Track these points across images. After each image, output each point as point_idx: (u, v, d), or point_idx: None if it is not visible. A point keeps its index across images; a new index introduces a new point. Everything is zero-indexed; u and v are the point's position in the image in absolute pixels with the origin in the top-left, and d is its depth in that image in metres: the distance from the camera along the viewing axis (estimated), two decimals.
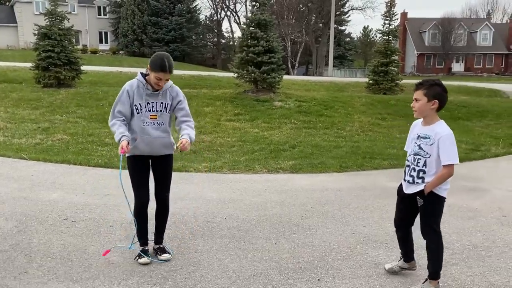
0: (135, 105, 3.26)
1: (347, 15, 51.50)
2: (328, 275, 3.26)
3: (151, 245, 3.56)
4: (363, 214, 4.62)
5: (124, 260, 3.42)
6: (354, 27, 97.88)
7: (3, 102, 10.93)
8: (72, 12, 44.10)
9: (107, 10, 46.92)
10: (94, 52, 39.77)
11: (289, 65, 45.57)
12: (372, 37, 65.67)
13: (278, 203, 4.93)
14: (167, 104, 3.34)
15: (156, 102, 3.29)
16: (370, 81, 16.28)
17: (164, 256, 3.46)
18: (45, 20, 13.04)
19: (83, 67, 13.79)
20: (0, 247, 3.59)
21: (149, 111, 3.27)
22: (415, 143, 2.96)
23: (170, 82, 3.37)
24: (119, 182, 3.21)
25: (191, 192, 5.27)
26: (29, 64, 13.64)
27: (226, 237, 3.92)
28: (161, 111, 3.32)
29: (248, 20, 12.96)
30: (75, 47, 14.27)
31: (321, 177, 6.25)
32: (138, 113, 3.27)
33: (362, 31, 67.68)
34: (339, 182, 5.95)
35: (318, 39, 48.28)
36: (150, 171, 3.47)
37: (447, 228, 4.23)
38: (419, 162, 2.92)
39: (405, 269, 3.28)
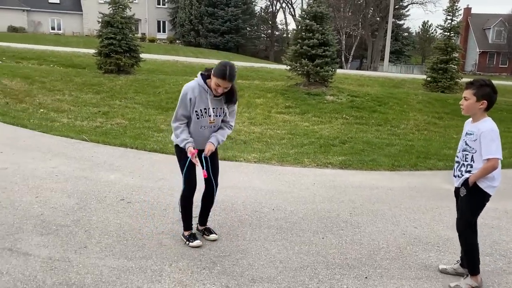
0: (196, 111, 3.31)
1: (406, 9, 49.75)
2: (376, 273, 3.23)
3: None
4: (415, 215, 4.51)
5: (175, 243, 3.55)
6: (413, 21, 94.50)
7: (68, 86, 11.55)
8: (134, 1, 45.71)
9: (166, 0, 48.12)
10: (152, 40, 40.99)
11: (343, 59, 44.77)
12: (432, 33, 63.02)
13: (327, 198, 4.91)
14: (225, 109, 3.43)
15: (217, 108, 3.37)
16: (428, 78, 15.67)
17: (212, 236, 3.63)
18: (108, 8, 13.60)
19: (141, 55, 14.28)
20: (63, 221, 3.84)
21: (209, 116, 3.34)
22: (463, 139, 3.04)
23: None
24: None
25: (240, 181, 5.36)
26: (92, 51, 14.31)
27: (274, 228, 3.96)
28: (220, 116, 3.43)
29: (304, 13, 12.85)
30: (135, 35, 14.78)
31: (372, 174, 6.14)
32: (198, 119, 3.33)
33: (421, 26, 65.03)
34: (391, 181, 5.82)
35: (375, 33, 47.04)
36: None
37: (505, 235, 4.05)
38: (467, 158, 3.00)
39: (459, 274, 3.19)
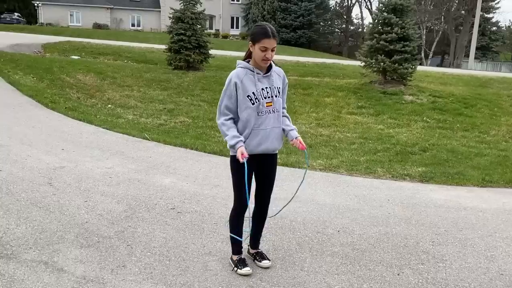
0: (249, 96, 2.82)
1: (496, 1, 45.64)
2: None
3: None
4: None
5: (222, 268, 3.09)
6: (503, 14, 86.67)
7: (138, 81, 11.66)
8: None
9: None
10: (225, 36, 41.42)
11: (423, 55, 42.21)
12: None
13: (403, 219, 4.19)
14: (279, 87, 2.93)
15: (270, 87, 2.88)
16: None
17: (265, 263, 3.12)
18: (180, 4, 13.60)
19: (211, 51, 14.15)
20: (107, 232, 3.54)
21: (265, 98, 2.85)
22: None
23: (272, 63, 2.91)
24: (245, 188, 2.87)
25: (302, 193, 4.76)
26: (164, 46, 14.43)
27: (338, 256, 3.37)
28: (276, 96, 2.90)
29: (382, 5, 11.89)
30: (205, 31, 14.68)
31: (458, 191, 5.27)
32: (253, 104, 2.83)
33: None
34: (482, 200, 4.93)
35: (459, 27, 43.78)
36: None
37: None
38: None
39: None
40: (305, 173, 3.48)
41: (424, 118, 9.39)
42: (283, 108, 3.03)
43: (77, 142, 6.31)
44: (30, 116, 7.66)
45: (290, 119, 3.13)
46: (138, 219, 3.84)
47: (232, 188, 3.04)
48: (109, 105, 9.39)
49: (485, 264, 3.37)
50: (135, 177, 4.98)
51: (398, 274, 3.14)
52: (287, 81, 3.06)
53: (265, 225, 3.69)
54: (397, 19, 11.13)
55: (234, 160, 2.94)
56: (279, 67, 3.02)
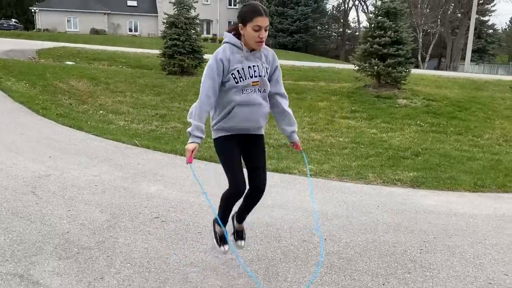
0: (233, 74, 2.63)
1: (492, 4, 45.80)
2: None
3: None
4: (504, 256, 3.60)
5: (203, 279, 3.01)
6: (499, 17, 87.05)
7: (131, 87, 11.60)
8: (205, 3, 46.60)
9: (237, 0, 48.46)
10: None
11: (419, 58, 42.27)
12: None
13: (392, 226, 4.12)
14: (267, 68, 2.75)
15: (257, 65, 2.68)
16: None
17: (240, 243, 3.12)
18: (173, 9, 13.57)
19: (206, 56, 14.10)
20: (87, 243, 3.46)
21: (251, 76, 2.67)
22: None
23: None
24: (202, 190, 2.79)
25: (291, 199, 4.73)
26: (159, 51, 14.37)
27: (323, 265, 3.29)
28: (264, 76, 2.72)
29: (376, 9, 11.87)
30: (201, 36, 14.65)
31: (449, 196, 5.20)
32: (237, 82, 2.65)
33: (508, 22, 59.72)
34: (473, 206, 4.87)
35: (455, 30, 43.88)
36: None
37: None
38: None
39: None
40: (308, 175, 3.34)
41: (417, 122, 9.33)
42: (282, 95, 2.87)
43: (65, 149, 6.24)
44: (20, 123, 7.58)
45: (289, 110, 2.94)
46: (120, 229, 3.76)
47: (224, 173, 2.83)
48: (101, 111, 9.32)
49: (473, 272, 3.30)
50: (121, 184, 4.90)
51: (383, 284, 3.06)
52: (277, 63, 2.84)
53: (250, 234, 3.63)
54: (391, 22, 11.10)
55: (218, 143, 2.84)
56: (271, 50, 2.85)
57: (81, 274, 3.00)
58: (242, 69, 2.64)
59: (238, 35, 2.68)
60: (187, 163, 2.67)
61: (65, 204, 4.25)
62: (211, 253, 3.38)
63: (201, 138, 2.72)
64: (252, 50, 2.68)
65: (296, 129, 3.00)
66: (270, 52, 2.81)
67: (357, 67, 11.84)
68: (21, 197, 4.32)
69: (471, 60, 33.73)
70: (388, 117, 9.63)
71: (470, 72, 29.02)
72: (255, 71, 2.67)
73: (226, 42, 2.68)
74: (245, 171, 2.89)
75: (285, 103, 2.92)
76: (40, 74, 11.93)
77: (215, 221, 3.09)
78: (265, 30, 2.58)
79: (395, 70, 11.13)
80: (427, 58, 44.66)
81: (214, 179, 5.34)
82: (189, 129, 2.73)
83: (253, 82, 2.68)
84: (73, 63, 15.65)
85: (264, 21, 2.55)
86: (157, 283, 2.95)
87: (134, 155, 6.24)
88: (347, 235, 3.87)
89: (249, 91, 2.68)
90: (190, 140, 2.71)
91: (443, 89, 14.00)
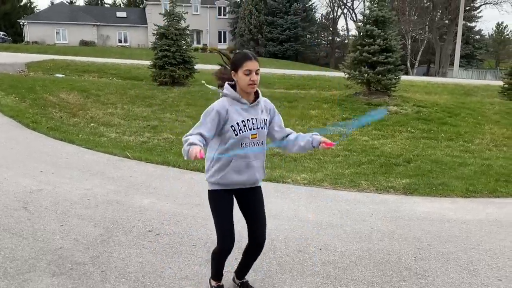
0: (232, 126, 2.63)
1: (478, 10, 46.55)
2: None
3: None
4: (498, 261, 3.62)
5: None
6: (486, 23, 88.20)
7: (122, 98, 11.57)
8: (195, 13, 46.79)
9: (227, 11, 48.71)
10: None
11: (408, 64, 42.72)
12: (507, 35, 58.68)
13: (386, 234, 4.14)
14: (266, 119, 2.76)
15: (256, 118, 2.70)
16: (506, 85, 14.10)
17: None
18: (163, 20, 13.61)
19: (197, 66, 14.12)
20: (81, 258, 3.43)
21: (250, 129, 2.67)
22: None
23: (259, 92, 2.75)
24: None
25: (285, 209, 4.73)
26: (150, 62, 14.36)
27: (319, 275, 3.29)
28: (262, 128, 2.72)
29: (364, 17, 12.00)
30: (191, 46, 14.69)
31: (442, 202, 5.24)
32: (236, 135, 2.64)
33: (495, 28, 60.68)
34: (465, 212, 4.90)
35: (443, 36, 44.45)
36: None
37: None
38: None
39: None
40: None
41: (408, 129, 9.41)
42: (289, 132, 2.88)
43: (57, 163, 6.19)
44: (10, 137, 7.51)
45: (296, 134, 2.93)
46: (114, 243, 3.73)
47: (214, 227, 2.80)
48: (92, 124, 9.27)
49: (468, 279, 3.32)
50: (114, 198, 4.87)
51: None
52: (275, 110, 2.86)
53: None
54: (379, 31, 11.23)
55: (212, 197, 2.79)
56: (266, 98, 2.86)
57: None
58: (242, 121, 2.65)
59: (234, 86, 2.70)
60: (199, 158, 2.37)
61: (58, 219, 4.20)
62: (207, 266, 3.36)
63: (200, 146, 2.49)
64: (251, 102, 2.69)
65: (313, 135, 2.90)
66: (268, 102, 2.83)
67: (347, 75, 11.94)
68: (12, 213, 4.27)
69: (459, 66, 34.17)
70: (379, 124, 9.70)
71: (459, 77, 29.39)
72: (253, 123, 2.68)
73: (225, 95, 2.69)
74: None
75: (293, 135, 2.90)
76: (30, 87, 11.85)
77: (210, 279, 3.03)
78: (256, 74, 2.62)
79: (385, 78, 11.25)
80: (416, 64, 45.14)
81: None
82: (184, 147, 2.52)
83: (251, 135, 2.68)
84: (63, 75, 15.58)
85: (253, 65, 2.60)
86: None
87: (126, 168, 6.21)
88: (342, 244, 3.88)
89: (248, 144, 2.68)
90: (190, 147, 2.44)
91: (432, 95, 14.16)
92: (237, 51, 2.79)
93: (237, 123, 2.64)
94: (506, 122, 10.25)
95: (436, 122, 9.89)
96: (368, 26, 11.46)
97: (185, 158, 2.46)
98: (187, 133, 2.63)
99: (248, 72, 2.59)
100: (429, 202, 5.22)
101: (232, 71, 2.66)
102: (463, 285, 3.22)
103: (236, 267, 3.07)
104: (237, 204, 2.86)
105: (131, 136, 8.45)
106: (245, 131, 2.65)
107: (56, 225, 4.06)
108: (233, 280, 3.10)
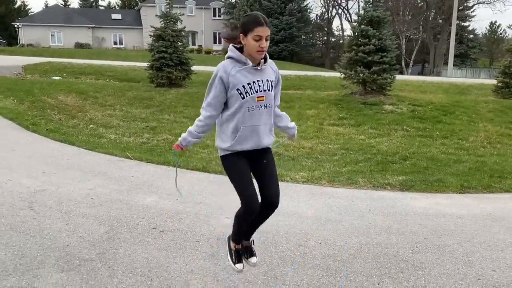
0: (238, 89, 2.60)
1: (471, 10, 46.90)
2: None
3: None
4: (492, 253, 3.75)
5: (204, 286, 3.10)
6: (479, 22, 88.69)
7: (120, 100, 11.64)
8: (190, 14, 46.87)
9: (221, 12, 48.81)
10: (208, 52, 41.65)
11: (403, 64, 42.98)
12: (501, 34, 59.14)
13: (384, 229, 4.26)
14: (272, 80, 2.72)
15: (262, 80, 2.66)
16: (499, 84, 14.28)
17: (253, 260, 2.95)
18: (160, 22, 13.70)
19: (194, 67, 14.22)
20: (88, 255, 3.52)
21: (256, 91, 2.63)
22: None
23: (266, 55, 2.72)
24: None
25: (285, 205, 4.82)
26: (146, 64, 14.45)
27: (320, 268, 3.40)
28: (268, 90, 2.68)
29: (359, 18, 12.15)
30: (187, 47, 14.77)
31: (437, 198, 5.37)
32: (243, 98, 2.61)
33: (488, 27, 61.17)
34: (460, 207, 5.04)
35: (437, 36, 44.76)
36: None
37: None
38: None
39: None
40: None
41: (404, 127, 9.55)
42: (278, 106, 2.90)
43: (59, 164, 6.27)
44: (10, 139, 7.58)
45: (285, 115, 3.03)
46: (119, 240, 3.83)
47: (236, 191, 2.74)
48: (91, 125, 9.35)
49: (463, 270, 3.44)
50: (117, 197, 4.96)
51: (378, 284, 3.18)
52: (279, 75, 2.85)
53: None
54: (374, 31, 11.37)
55: (225, 160, 2.78)
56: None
57: (85, 285, 3.06)
58: (248, 84, 2.62)
59: (239, 48, 2.69)
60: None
61: (63, 217, 4.30)
62: (211, 260, 3.47)
63: (193, 141, 2.84)
64: (257, 64, 2.67)
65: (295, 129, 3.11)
66: (273, 63, 2.81)
67: (343, 75, 12.07)
68: (18, 212, 4.36)
69: (454, 65, 34.45)
70: (375, 123, 9.83)
71: (453, 76, 29.63)
72: (259, 86, 2.64)
73: (230, 57, 2.67)
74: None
75: (280, 112, 3.01)
76: (28, 90, 11.90)
77: (229, 238, 3.02)
78: (266, 40, 2.58)
79: (380, 77, 11.39)
80: (411, 64, 45.43)
81: (208, 188, 5.45)
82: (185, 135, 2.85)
83: (258, 97, 2.64)
84: (60, 78, 15.63)
85: (264, 31, 2.56)
86: None
87: (128, 168, 6.30)
88: (341, 238, 4.00)
89: (255, 107, 2.66)
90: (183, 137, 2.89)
91: (427, 94, 14.31)
92: (248, 13, 2.73)
93: (243, 86, 2.60)
94: (500, 120, 10.41)
95: (431, 121, 10.03)
96: (363, 26, 11.61)
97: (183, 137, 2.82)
98: (202, 109, 2.75)
99: (258, 38, 2.54)
100: (425, 198, 5.35)
101: (241, 34, 2.61)
102: (459, 275, 3.34)
103: None
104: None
105: (130, 137, 8.54)
106: (251, 94, 2.62)
107: (61, 223, 4.15)
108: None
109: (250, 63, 2.63)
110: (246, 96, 2.61)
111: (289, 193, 5.35)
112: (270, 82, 2.69)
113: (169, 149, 7.76)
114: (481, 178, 6.17)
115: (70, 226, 4.10)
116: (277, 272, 3.33)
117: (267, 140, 2.78)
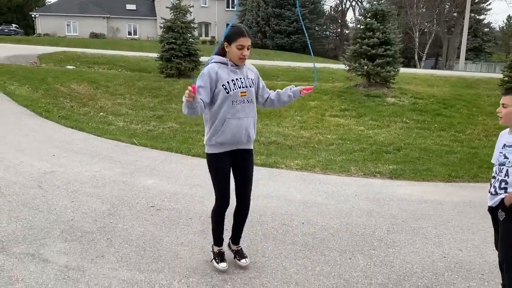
0: (224, 85, 2.96)
1: (487, 3, 46.16)
2: None
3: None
4: (462, 235, 4.03)
5: (192, 256, 3.45)
6: (495, 16, 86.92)
7: (130, 89, 12.04)
8: (203, 5, 47.11)
9: (235, 3, 48.90)
10: None
11: (416, 57, 42.66)
12: None
13: (366, 212, 4.56)
14: (252, 79, 3.12)
15: (243, 78, 3.05)
16: (505, 78, 14.30)
17: (243, 261, 3.31)
18: (170, 13, 14.02)
19: (202, 58, 14.51)
20: (89, 228, 3.90)
21: (239, 87, 3.00)
22: (501, 152, 2.69)
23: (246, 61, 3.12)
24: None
25: (275, 190, 5.16)
26: (157, 55, 14.80)
27: (298, 244, 3.72)
28: (250, 86, 3.07)
29: (364, 11, 12.31)
30: (198, 39, 15.07)
31: (424, 186, 5.64)
32: (228, 93, 2.96)
33: (505, 21, 60.11)
34: (444, 194, 5.30)
35: (451, 29, 44.25)
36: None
37: None
38: (501, 172, 2.62)
39: None
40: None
41: (403, 119, 9.75)
42: (268, 93, 3.27)
43: (68, 149, 6.67)
44: (24, 125, 8.02)
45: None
46: (119, 216, 4.19)
47: (213, 187, 3.16)
48: (101, 113, 9.76)
49: (431, 248, 3.73)
50: (120, 179, 5.34)
51: (349, 258, 3.49)
52: (258, 74, 3.23)
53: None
54: (379, 24, 11.53)
55: (210, 159, 3.14)
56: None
57: (85, 253, 3.43)
58: (232, 80, 3.00)
59: (223, 54, 3.08)
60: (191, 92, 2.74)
61: (69, 196, 4.68)
62: (200, 235, 3.81)
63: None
64: (236, 66, 3.07)
65: (292, 87, 3.35)
66: (252, 66, 3.22)
67: (348, 67, 12.27)
68: (28, 191, 4.76)
69: (468, 59, 34.17)
70: (376, 114, 10.06)
71: (467, 70, 29.46)
72: (242, 82, 3.02)
73: (213, 62, 3.02)
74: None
75: (274, 94, 3.34)
76: (42, 78, 12.38)
77: (213, 245, 3.36)
78: (247, 49, 3.01)
79: (384, 70, 11.57)
80: (424, 57, 45.05)
81: (207, 174, 5.77)
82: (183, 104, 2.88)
83: (241, 92, 3.00)
84: (74, 67, 16.10)
85: (246, 41, 2.95)
86: (151, 259, 3.38)
87: (133, 153, 6.68)
88: (323, 219, 4.31)
89: (239, 101, 3.00)
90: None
91: (433, 88, 14.40)
92: (233, 24, 3.08)
93: (228, 82, 2.96)
94: None
95: (431, 113, 10.21)
96: (368, 19, 11.77)
97: (185, 112, 2.86)
98: None
99: (241, 47, 2.94)
100: (411, 186, 5.62)
101: (226, 42, 3.01)
102: (426, 253, 3.63)
103: (231, 234, 3.45)
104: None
105: (138, 124, 8.92)
106: (235, 89, 2.98)
107: (67, 201, 4.53)
108: (229, 246, 3.49)
109: (233, 64, 3.03)
110: (231, 91, 2.97)
111: (282, 179, 5.66)
112: (250, 80, 3.10)
113: (173, 136, 8.12)
114: (470, 168, 6.40)
115: (75, 203, 4.48)
116: (259, 247, 3.66)
117: (252, 132, 3.15)
